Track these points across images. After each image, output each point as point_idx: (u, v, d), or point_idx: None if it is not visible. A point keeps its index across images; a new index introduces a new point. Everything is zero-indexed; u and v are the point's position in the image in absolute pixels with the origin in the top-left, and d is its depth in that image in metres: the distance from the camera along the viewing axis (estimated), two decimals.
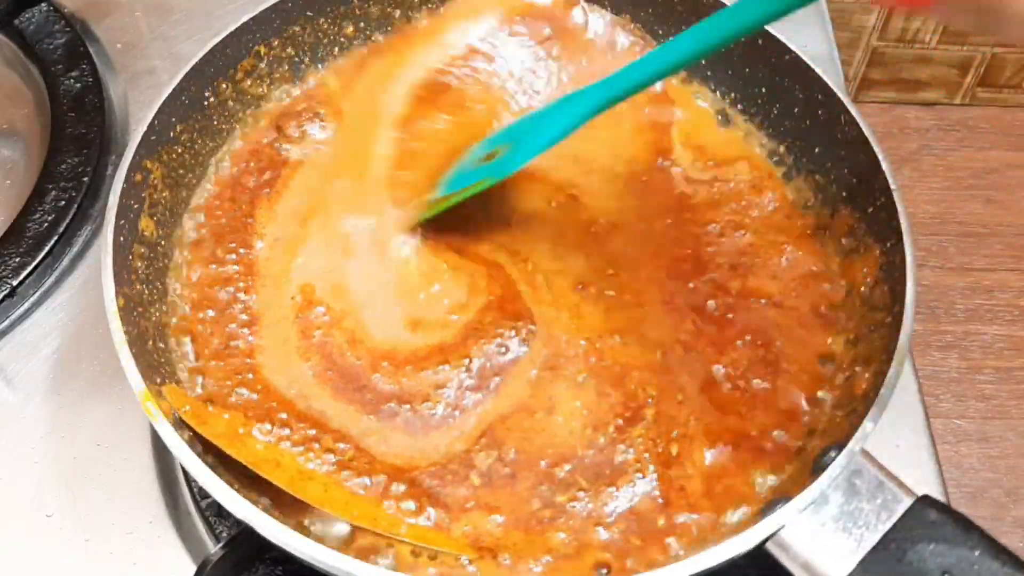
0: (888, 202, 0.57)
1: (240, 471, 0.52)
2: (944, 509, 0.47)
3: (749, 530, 0.47)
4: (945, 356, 1.57)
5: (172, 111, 0.62)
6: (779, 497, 0.52)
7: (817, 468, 0.50)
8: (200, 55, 0.64)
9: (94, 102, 0.75)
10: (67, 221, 0.69)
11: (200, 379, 0.57)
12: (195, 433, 0.52)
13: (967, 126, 1.85)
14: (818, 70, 0.63)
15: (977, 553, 0.45)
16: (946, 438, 1.48)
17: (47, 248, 0.67)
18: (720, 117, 0.70)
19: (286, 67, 0.70)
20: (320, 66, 0.71)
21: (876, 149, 0.59)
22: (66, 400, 0.63)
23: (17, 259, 0.67)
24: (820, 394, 0.57)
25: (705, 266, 0.63)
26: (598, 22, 0.72)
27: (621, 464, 0.55)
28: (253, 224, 0.64)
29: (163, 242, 0.61)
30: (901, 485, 0.48)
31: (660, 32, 0.71)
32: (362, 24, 0.72)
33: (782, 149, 0.67)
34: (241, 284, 0.61)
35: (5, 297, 0.65)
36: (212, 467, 0.49)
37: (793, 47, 0.64)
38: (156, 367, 0.55)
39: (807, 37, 0.78)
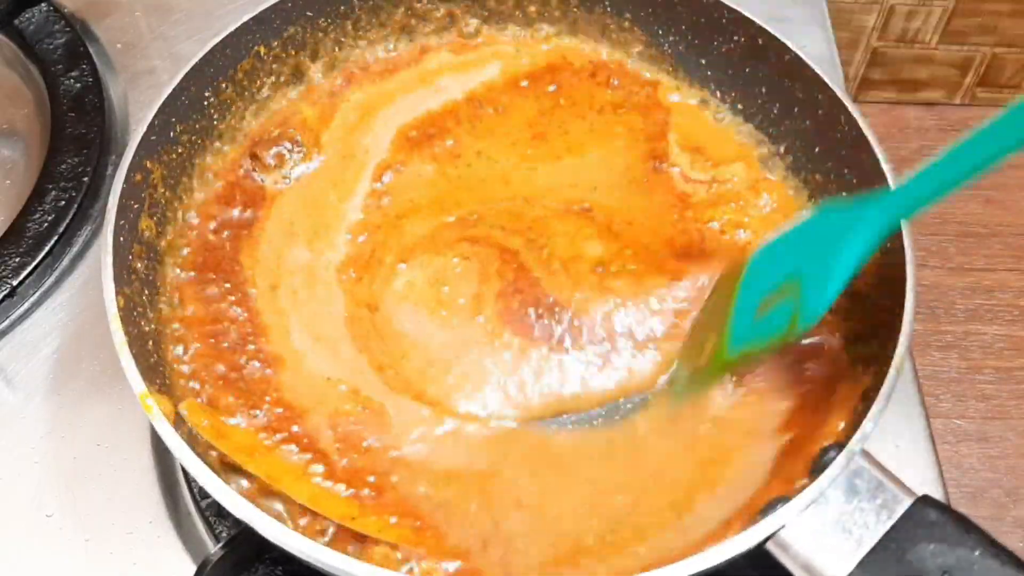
0: None
1: (240, 471, 0.52)
2: (944, 509, 0.47)
3: (749, 530, 0.47)
4: (945, 356, 1.57)
5: (172, 111, 0.62)
6: (779, 497, 0.52)
7: (817, 468, 0.50)
8: (200, 55, 0.64)
9: (94, 102, 0.75)
10: (67, 221, 0.69)
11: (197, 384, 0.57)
12: (195, 434, 0.52)
13: (967, 126, 1.84)
14: (818, 70, 0.63)
15: (977, 553, 0.45)
16: (946, 438, 1.48)
17: (47, 248, 0.67)
18: (719, 117, 0.70)
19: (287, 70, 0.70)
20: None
21: (876, 149, 0.59)
22: (66, 400, 0.63)
23: (17, 259, 0.67)
24: None
25: (708, 262, 0.63)
26: None
27: None
28: (241, 270, 0.63)
29: (163, 242, 0.61)
30: (901, 485, 0.48)
31: (660, 32, 0.71)
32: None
33: (782, 149, 0.67)
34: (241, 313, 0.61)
35: (5, 297, 0.65)
36: (212, 467, 0.49)
37: (793, 47, 0.64)
38: (156, 367, 0.55)
39: (807, 37, 0.78)
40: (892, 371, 0.50)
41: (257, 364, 0.58)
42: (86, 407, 0.63)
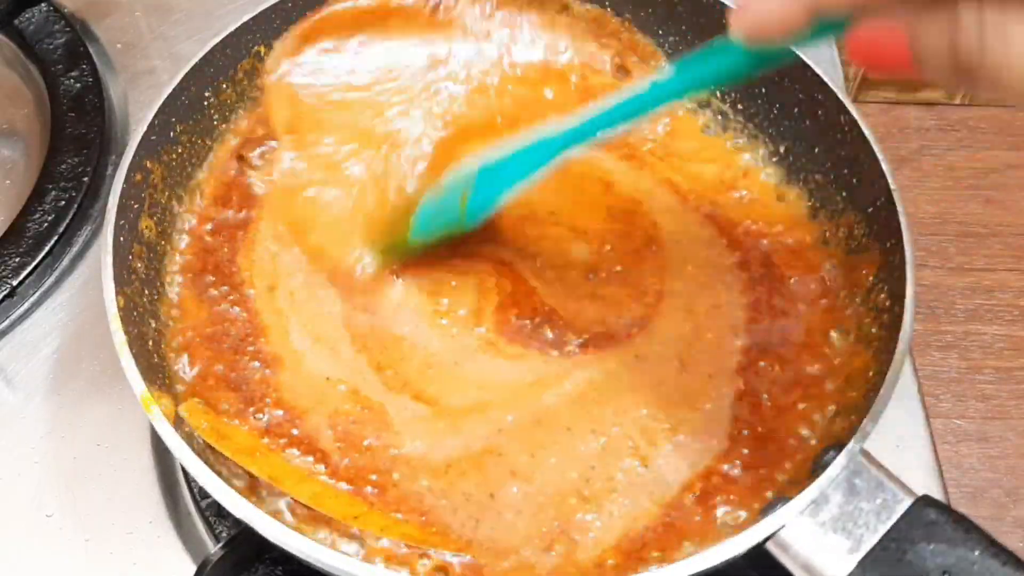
0: (888, 202, 0.57)
1: (240, 470, 0.52)
2: (944, 509, 0.47)
3: (749, 530, 0.47)
4: (945, 356, 1.57)
5: (172, 111, 0.62)
6: (779, 497, 0.52)
7: (817, 468, 0.50)
8: (200, 55, 0.64)
9: (94, 102, 0.75)
10: (67, 221, 0.69)
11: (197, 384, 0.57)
12: (195, 434, 0.52)
13: (967, 126, 1.84)
14: (818, 70, 0.63)
15: (977, 553, 0.45)
16: (946, 438, 1.48)
17: (47, 248, 0.67)
18: (719, 117, 0.70)
19: None
20: None
21: (876, 149, 0.59)
22: (66, 400, 0.63)
23: (17, 259, 0.67)
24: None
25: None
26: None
27: None
28: (238, 272, 0.63)
29: (162, 242, 0.61)
30: (901, 485, 0.48)
31: (660, 32, 0.71)
32: None
33: (782, 149, 0.67)
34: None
35: (5, 297, 0.65)
36: (212, 467, 0.49)
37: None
38: (156, 367, 0.55)
39: None
40: (892, 371, 0.50)
41: (257, 364, 0.58)
42: (86, 407, 0.63)
